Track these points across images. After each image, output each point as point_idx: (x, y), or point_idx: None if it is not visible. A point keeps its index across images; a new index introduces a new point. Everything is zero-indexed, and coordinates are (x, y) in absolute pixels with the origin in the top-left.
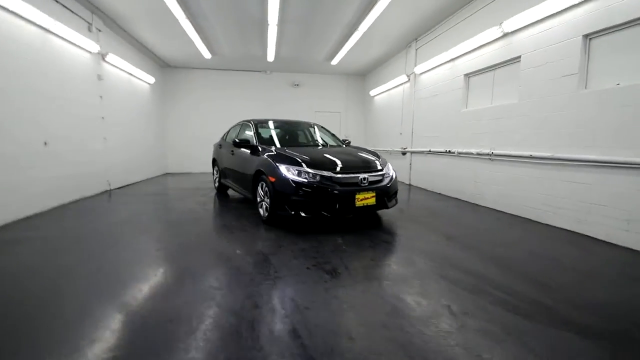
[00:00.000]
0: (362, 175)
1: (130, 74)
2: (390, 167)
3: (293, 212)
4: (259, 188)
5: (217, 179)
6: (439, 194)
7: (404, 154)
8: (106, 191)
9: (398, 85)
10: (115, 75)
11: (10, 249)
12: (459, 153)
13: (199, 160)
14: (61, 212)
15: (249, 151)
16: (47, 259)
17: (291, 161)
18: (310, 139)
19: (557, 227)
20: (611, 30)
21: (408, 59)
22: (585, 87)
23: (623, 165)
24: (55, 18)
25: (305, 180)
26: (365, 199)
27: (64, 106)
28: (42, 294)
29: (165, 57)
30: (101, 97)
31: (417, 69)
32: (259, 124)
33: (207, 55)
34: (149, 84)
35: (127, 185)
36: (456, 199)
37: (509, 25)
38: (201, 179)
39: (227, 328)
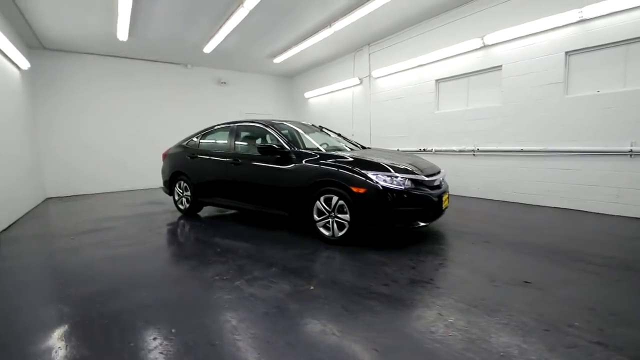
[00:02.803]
0: (439, 177)
1: (2, 53)
2: None
3: (397, 225)
4: (320, 203)
5: (187, 198)
6: None
7: None
8: None
9: (346, 88)
10: None
11: None
12: (437, 151)
13: (99, 176)
14: None
15: (273, 160)
16: None
17: (375, 167)
18: (340, 142)
19: (553, 207)
20: (589, 49)
21: (359, 63)
22: (567, 94)
23: (608, 153)
24: None
25: (401, 187)
26: (446, 200)
27: None
28: None
29: (47, 34)
30: None
31: (375, 73)
32: (276, 127)
33: (123, 36)
34: (20, 70)
35: (15, 223)
36: None
37: (491, 38)
38: (125, 200)
39: None
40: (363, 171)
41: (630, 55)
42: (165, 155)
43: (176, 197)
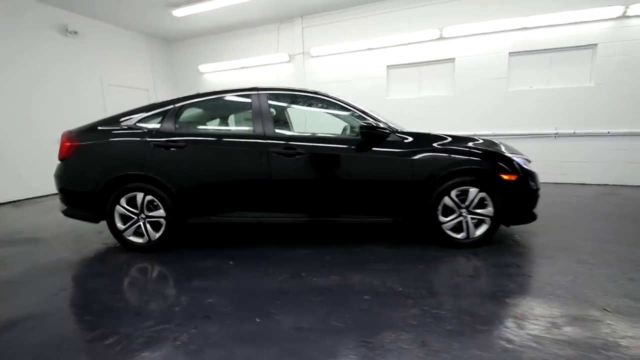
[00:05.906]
0: None
1: None
2: None
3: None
4: (451, 199)
5: (155, 222)
6: None
7: None
8: None
9: (268, 65)
10: None
11: None
12: None
13: None
14: None
15: (365, 147)
16: None
17: (503, 147)
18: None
19: None
20: (526, 53)
21: (286, 36)
22: (508, 87)
23: (539, 135)
24: None
25: (532, 170)
26: None
27: None
28: None
29: None
30: None
31: (313, 51)
32: (338, 98)
33: None
34: None
35: None
36: None
37: (448, 31)
38: None
39: None
40: (508, 155)
41: (552, 60)
42: (72, 148)
43: (120, 225)
